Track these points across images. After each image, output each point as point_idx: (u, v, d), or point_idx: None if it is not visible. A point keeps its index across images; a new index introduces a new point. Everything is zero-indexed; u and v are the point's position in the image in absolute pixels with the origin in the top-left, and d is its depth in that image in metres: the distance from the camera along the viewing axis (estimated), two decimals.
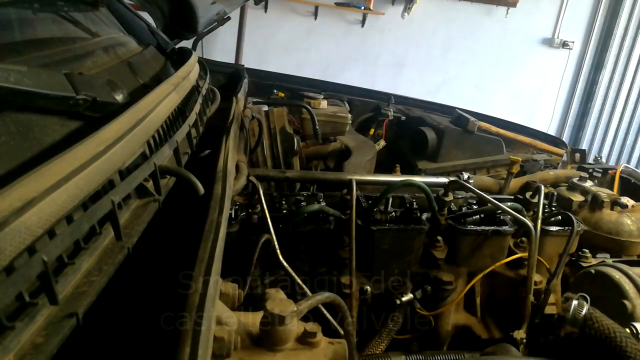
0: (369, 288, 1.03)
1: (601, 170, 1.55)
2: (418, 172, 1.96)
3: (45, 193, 0.39)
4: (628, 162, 6.23)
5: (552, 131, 6.18)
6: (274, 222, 0.92)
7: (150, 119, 0.66)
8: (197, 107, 0.96)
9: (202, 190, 0.64)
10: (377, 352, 0.98)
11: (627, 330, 0.71)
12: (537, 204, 1.08)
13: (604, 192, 1.27)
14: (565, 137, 6.24)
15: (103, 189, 0.49)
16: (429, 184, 1.10)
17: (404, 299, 1.01)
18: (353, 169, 1.70)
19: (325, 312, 0.79)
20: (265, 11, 5.44)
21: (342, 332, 0.69)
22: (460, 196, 1.20)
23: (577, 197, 1.28)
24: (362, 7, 5.58)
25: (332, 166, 1.89)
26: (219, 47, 5.06)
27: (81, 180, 0.44)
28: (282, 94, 2.31)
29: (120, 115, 0.59)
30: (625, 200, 1.26)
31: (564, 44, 6.04)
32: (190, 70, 1.06)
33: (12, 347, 0.34)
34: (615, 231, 1.21)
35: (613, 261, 1.02)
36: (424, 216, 1.09)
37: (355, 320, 0.99)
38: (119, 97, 0.66)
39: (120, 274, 0.48)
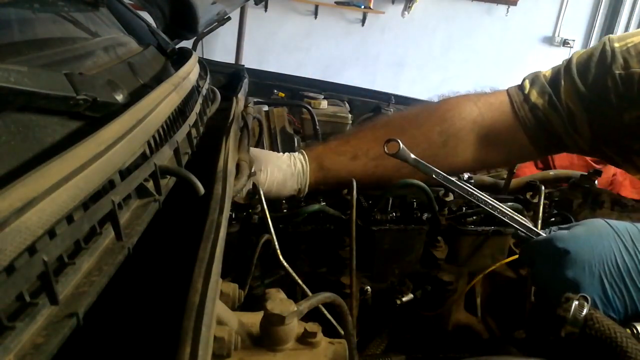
0: (369, 288, 1.03)
1: None
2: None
3: (46, 193, 0.39)
4: None
5: None
6: (274, 222, 0.92)
7: (151, 119, 0.66)
8: (197, 107, 0.96)
9: (202, 190, 0.64)
10: (378, 352, 0.98)
11: (628, 330, 0.71)
12: (537, 204, 1.08)
13: (604, 192, 1.27)
14: None
15: (103, 189, 0.49)
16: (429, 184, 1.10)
17: (405, 299, 1.01)
18: None
19: (325, 312, 0.79)
20: (266, 10, 5.44)
21: (342, 332, 0.69)
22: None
23: (578, 197, 1.28)
24: (363, 6, 5.59)
25: None
26: (219, 47, 5.07)
27: (81, 180, 0.44)
28: (283, 94, 2.32)
29: (121, 116, 0.60)
30: (626, 200, 1.26)
31: (565, 43, 6.04)
32: (191, 71, 1.06)
33: (12, 347, 0.34)
34: None
35: None
36: (424, 216, 1.09)
37: (355, 321, 0.99)
38: (120, 97, 0.66)
39: (120, 274, 0.48)
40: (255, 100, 1.72)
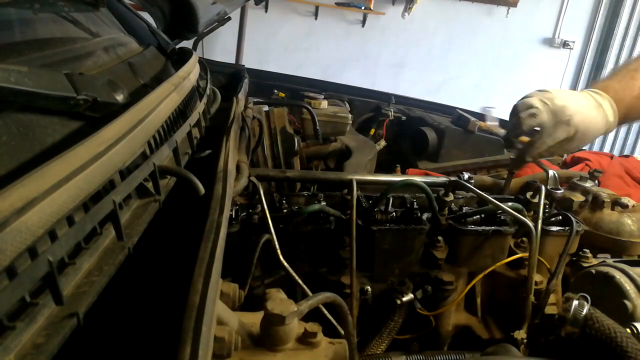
0: (369, 288, 1.03)
1: None
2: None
3: (46, 193, 0.39)
4: None
5: None
6: (275, 222, 0.92)
7: (151, 119, 0.66)
8: (197, 107, 0.96)
9: (202, 190, 0.64)
10: (378, 352, 0.98)
11: (628, 330, 0.71)
12: (538, 204, 1.08)
13: (604, 192, 1.27)
14: None
15: (104, 189, 0.49)
16: (429, 184, 1.10)
17: (405, 299, 1.01)
18: (353, 169, 1.70)
19: (325, 312, 0.79)
20: (266, 11, 5.43)
21: (342, 332, 0.69)
22: (460, 196, 1.20)
23: (578, 197, 1.27)
24: (363, 7, 5.58)
25: (333, 166, 1.89)
26: (220, 47, 5.06)
27: (82, 180, 0.45)
28: (283, 94, 2.31)
29: (121, 116, 0.60)
30: (626, 200, 1.25)
31: (565, 44, 6.04)
32: (191, 71, 1.06)
33: (13, 347, 0.34)
34: (616, 231, 1.21)
35: (614, 261, 1.01)
36: (425, 216, 1.09)
37: (355, 321, 0.99)
38: (120, 97, 0.66)
39: (120, 274, 0.48)
40: (255, 100, 1.72)
